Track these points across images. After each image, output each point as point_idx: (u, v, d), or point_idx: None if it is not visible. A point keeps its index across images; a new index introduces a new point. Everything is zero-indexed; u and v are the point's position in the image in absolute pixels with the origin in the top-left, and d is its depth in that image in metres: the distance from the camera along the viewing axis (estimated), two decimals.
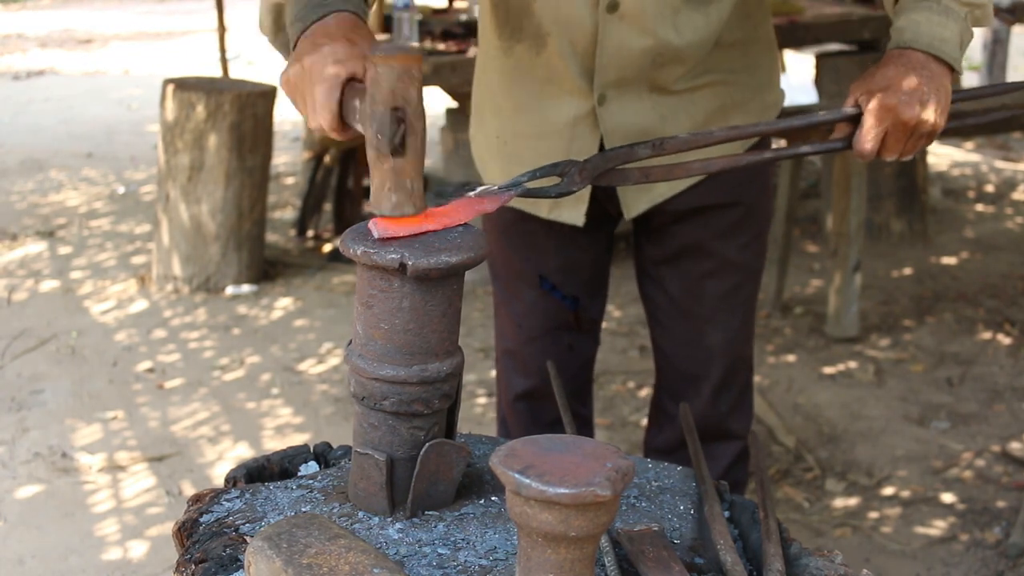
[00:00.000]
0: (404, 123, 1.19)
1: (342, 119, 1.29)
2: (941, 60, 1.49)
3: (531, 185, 1.37)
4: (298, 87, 1.32)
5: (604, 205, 1.86)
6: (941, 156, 6.45)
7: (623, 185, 1.56)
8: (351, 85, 1.27)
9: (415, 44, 4.26)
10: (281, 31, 1.52)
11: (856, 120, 1.50)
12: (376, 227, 1.20)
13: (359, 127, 1.25)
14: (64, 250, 4.94)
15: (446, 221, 1.23)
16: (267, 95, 4.46)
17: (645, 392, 3.55)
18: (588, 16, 1.67)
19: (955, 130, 4.47)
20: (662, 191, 1.83)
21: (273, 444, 3.25)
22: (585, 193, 1.82)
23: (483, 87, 1.90)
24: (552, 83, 1.76)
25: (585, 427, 2.09)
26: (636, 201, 1.83)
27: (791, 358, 3.84)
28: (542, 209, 1.86)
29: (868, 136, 1.48)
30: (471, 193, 1.31)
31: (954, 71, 1.51)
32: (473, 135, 1.96)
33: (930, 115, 1.47)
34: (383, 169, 1.20)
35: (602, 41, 1.68)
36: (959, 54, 1.51)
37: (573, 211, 1.84)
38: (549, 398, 1.98)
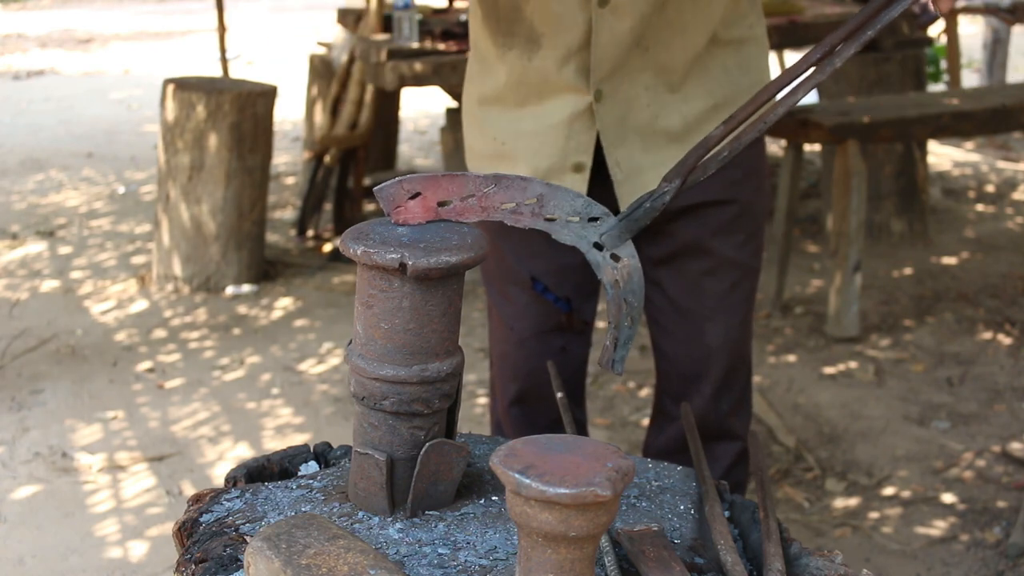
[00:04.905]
0: None
1: None
2: None
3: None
4: None
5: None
6: (941, 156, 6.45)
7: (707, 175, 1.40)
8: None
9: (415, 44, 4.26)
10: None
11: None
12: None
13: None
14: (64, 250, 4.94)
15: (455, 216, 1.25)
16: (267, 95, 4.46)
17: (645, 392, 3.55)
18: (580, 13, 1.68)
19: (955, 130, 4.43)
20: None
21: (273, 444, 3.25)
22: (582, 192, 1.82)
23: (477, 94, 1.90)
24: (548, 83, 1.76)
25: (580, 431, 2.09)
26: (632, 201, 1.83)
27: (791, 358, 3.84)
28: None
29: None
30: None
31: None
32: (468, 142, 1.95)
33: None
34: None
35: (595, 36, 1.69)
36: None
37: None
38: (543, 401, 1.98)
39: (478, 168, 1.93)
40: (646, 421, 2.15)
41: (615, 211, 1.87)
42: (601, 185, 1.82)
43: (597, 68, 1.72)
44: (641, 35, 1.69)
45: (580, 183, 1.81)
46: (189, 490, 3.00)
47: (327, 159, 4.95)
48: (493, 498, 1.30)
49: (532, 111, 1.80)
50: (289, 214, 5.40)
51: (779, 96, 1.33)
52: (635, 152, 1.79)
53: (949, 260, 4.79)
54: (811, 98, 5.52)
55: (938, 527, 2.84)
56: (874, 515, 2.90)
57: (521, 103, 1.81)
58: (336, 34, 5.24)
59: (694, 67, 1.76)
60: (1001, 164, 6.35)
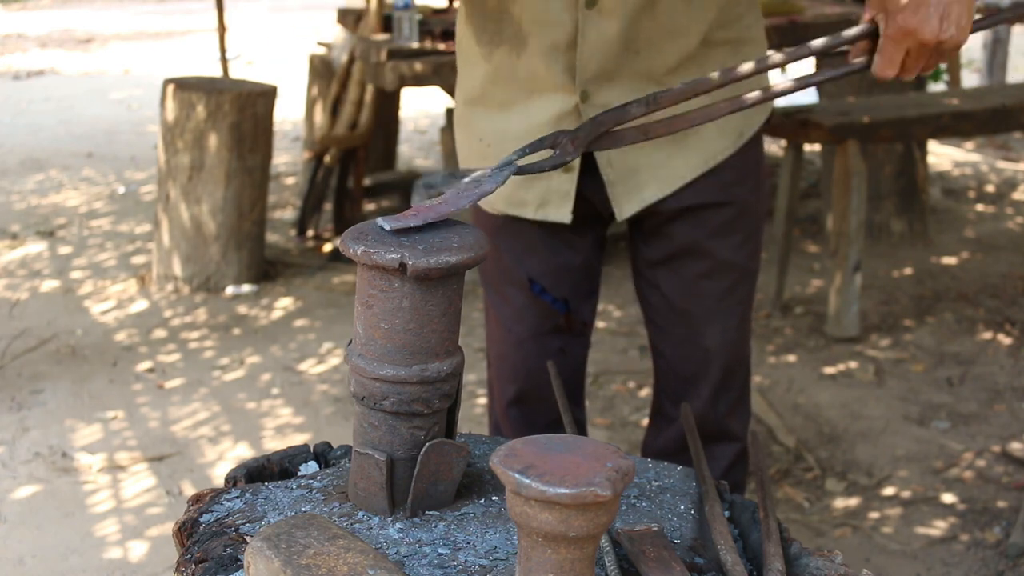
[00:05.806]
0: None
1: None
2: None
3: (523, 162, 1.34)
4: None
5: (595, 205, 1.85)
6: (941, 156, 6.45)
7: (620, 147, 1.48)
8: None
9: (415, 44, 4.26)
10: None
11: (873, 36, 1.43)
12: (387, 221, 1.19)
13: None
14: (64, 250, 4.94)
15: (449, 209, 1.23)
16: (267, 95, 4.46)
17: (645, 392, 3.54)
18: (567, 14, 1.67)
19: (955, 130, 4.42)
20: (653, 191, 1.82)
21: (273, 444, 3.25)
22: (571, 191, 1.81)
23: (464, 95, 1.90)
24: (534, 82, 1.76)
25: (580, 431, 2.09)
26: (628, 202, 1.83)
27: (791, 358, 3.84)
28: (528, 210, 1.85)
29: (888, 62, 1.44)
30: (465, 179, 1.30)
31: None
32: (458, 144, 1.95)
33: (951, 31, 1.39)
34: None
35: (582, 37, 1.68)
36: None
37: (560, 209, 1.83)
38: (542, 402, 1.97)
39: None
40: (646, 421, 2.14)
41: (608, 212, 1.87)
42: (595, 185, 1.82)
43: (583, 69, 1.71)
44: (631, 38, 1.68)
45: (568, 182, 1.80)
46: (189, 490, 3.00)
47: (327, 159, 4.96)
48: (493, 498, 1.30)
49: (518, 110, 1.79)
50: (289, 214, 5.40)
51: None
52: (626, 152, 1.78)
53: (949, 260, 4.79)
54: (811, 98, 5.52)
55: (938, 527, 2.84)
56: (874, 515, 2.90)
57: (507, 103, 1.80)
58: (336, 34, 5.24)
59: (688, 67, 1.75)
60: (1001, 164, 6.35)
